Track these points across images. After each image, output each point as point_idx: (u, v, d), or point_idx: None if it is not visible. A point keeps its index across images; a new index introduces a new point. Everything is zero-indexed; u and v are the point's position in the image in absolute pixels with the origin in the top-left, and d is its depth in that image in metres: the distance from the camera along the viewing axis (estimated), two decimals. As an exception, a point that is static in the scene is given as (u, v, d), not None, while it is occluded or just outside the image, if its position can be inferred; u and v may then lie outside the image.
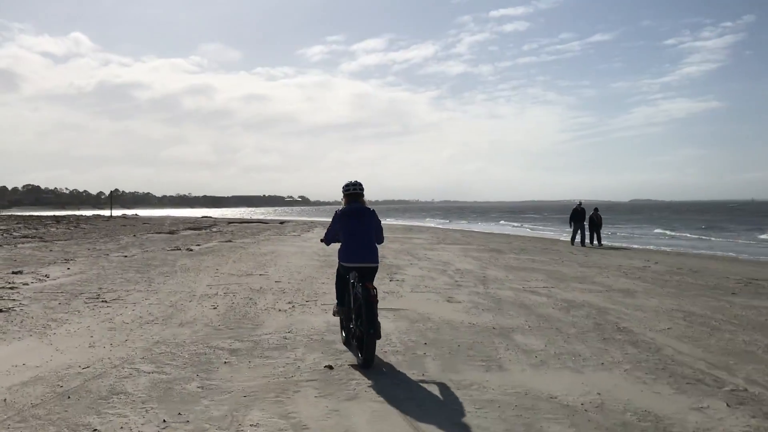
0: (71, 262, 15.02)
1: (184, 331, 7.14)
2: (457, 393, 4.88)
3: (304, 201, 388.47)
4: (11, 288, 10.31)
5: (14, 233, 28.59)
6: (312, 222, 54.32)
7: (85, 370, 5.49)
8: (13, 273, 12.45)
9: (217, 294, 9.99)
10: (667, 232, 40.11)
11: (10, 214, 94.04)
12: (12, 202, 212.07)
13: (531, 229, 47.40)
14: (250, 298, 9.57)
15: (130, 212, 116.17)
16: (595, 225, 24.02)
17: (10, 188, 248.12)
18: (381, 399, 4.74)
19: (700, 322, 7.93)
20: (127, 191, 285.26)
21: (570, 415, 4.42)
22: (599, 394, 4.88)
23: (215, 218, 68.60)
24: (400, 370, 5.56)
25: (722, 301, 9.79)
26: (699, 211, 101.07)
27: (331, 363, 5.70)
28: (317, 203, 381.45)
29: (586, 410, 4.52)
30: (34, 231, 31.01)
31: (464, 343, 6.60)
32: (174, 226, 39.72)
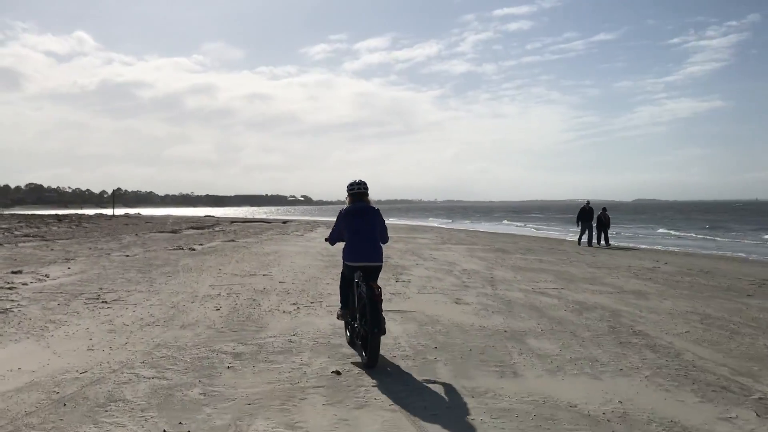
0: (72, 261, 14.83)
1: (186, 334, 6.92)
2: (471, 401, 4.65)
3: (306, 200, 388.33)
4: (10, 288, 10.11)
5: (15, 232, 28.44)
6: (315, 221, 54.09)
7: (82, 375, 5.27)
8: (13, 272, 12.25)
9: (219, 295, 9.77)
10: (672, 232, 39.84)
11: (12, 212, 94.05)
12: (15, 200, 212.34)
13: (535, 229, 47.14)
14: (254, 300, 9.35)
15: (132, 211, 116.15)
16: (603, 225, 23.71)
17: (12, 187, 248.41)
18: (392, 407, 4.51)
19: (718, 326, 7.69)
20: (129, 190, 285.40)
21: (592, 425, 4.19)
22: (621, 402, 4.64)
23: (218, 217, 68.46)
24: (411, 376, 5.34)
25: (738, 303, 9.54)
26: (703, 211, 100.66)
27: (338, 368, 5.47)
28: (320, 202, 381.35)
29: (608, 420, 4.28)
30: (36, 230, 30.86)
31: (476, 347, 6.37)
32: (176, 226, 39.56)
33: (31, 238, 23.99)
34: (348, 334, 6.43)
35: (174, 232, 31.06)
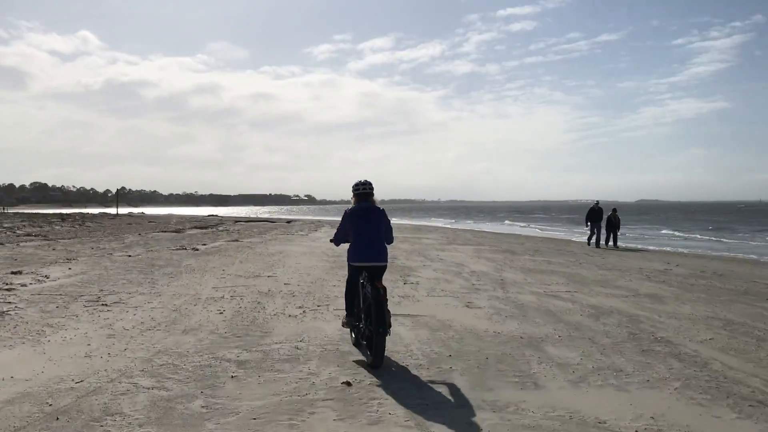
0: (73, 261, 14.57)
1: (188, 339, 6.63)
2: (493, 417, 4.34)
3: (310, 200, 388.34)
4: (8, 290, 9.84)
5: (18, 231, 28.23)
6: (319, 221, 53.84)
7: (78, 384, 4.98)
8: (12, 273, 11.99)
9: (223, 297, 9.48)
10: (676, 233, 39.47)
11: (16, 211, 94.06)
12: (19, 199, 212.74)
13: (540, 229, 46.79)
14: (258, 302, 9.06)
15: (136, 210, 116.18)
16: (613, 226, 23.31)
17: (17, 186, 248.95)
18: (408, 423, 4.21)
19: (742, 332, 7.36)
20: (134, 189, 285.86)
21: (625, 444, 3.88)
22: (653, 418, 4.33)
23: (221, 217, 68.27)
24: (426, 387, 5.03)
25: (758, 308, 9.22)
26: (707, 212, 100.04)
27: (349, 378, 5.17)
28: (323, 202, 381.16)
29: (642, 439, 3.97)
30: (39, 229, 30.66)
31: (492, 355, 6.06)
32: (180, 225, 39.33)
33: (33, 238, 23.76)
34: (353, 335, 6.36)
35: (177, 231, 30.82)
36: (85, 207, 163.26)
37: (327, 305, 8.88)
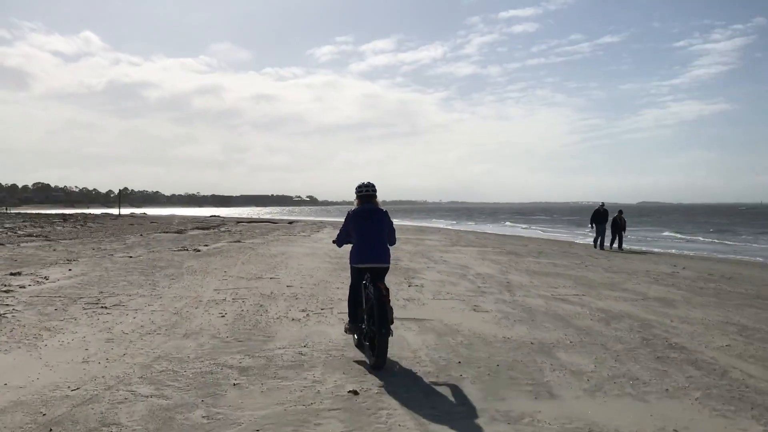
0: (74, 262, 14.39)
1: (188, 344, 6.44)
2: (508, 429, 4.14)
3: (312, 201, 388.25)
4: (6, 291, 9.66)
5: (19, 231, 28.08)
6: (321, 222, 53.66)
7: (74, 392, 4.79)
8: (11, 274, 11.81)
9: (225, 300, 9.29)
10: (678, 235, 39.26)
11: (18, 211, 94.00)
12: (22, 200, 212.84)
13: (542, 231, 46.58)
14: (261, 305, 8.87)
15: (138, 211, 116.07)
16: (619, 228, 23.06)
17: (20, 186, 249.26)
18: (418, 435, 4.01)
19: (758, 338, 7.16)
20: (136, 190, 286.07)
21: (648, 460, 3.68)
22: (676, 431, 4.13)
23: (223, 217, 68.12)
24: (436, 395, 4.84)
25: (772, 313, 9.00)
26: (708, 214, 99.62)
27: (355, 387, 4.97)
28: (325, 203, 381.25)
29: (665, 453, 3.77)
30: (40, 229, 30.51)
31: (503, 361, 5.86)
32: (182, 226, 39.17)
33: (34, 238, 23.61)
34: (356, 337, 6.36)
35: (179, 232, 30.65)
36: (88, 207, 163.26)
37: (331, 308, 8.69)
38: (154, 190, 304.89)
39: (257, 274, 12.74)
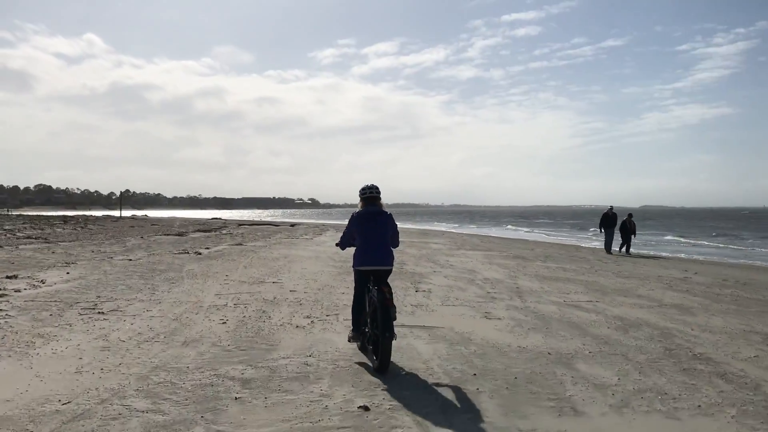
0: (72, 265, 14.08)
1: (188, 353, 6.12)
2: (534, 450, 3.81)
3: (314, 203, 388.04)
4: (1, 295, 9.35)
5: (18, 233, 27.79)
6: (323, 225, 53.33)
7: (65, 406, 4.47)
8: (7, 277, 11.50)
9: (226, 305, 8.97)
10: (681, 239, 38.91)
11: (19, 213, 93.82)
12: (23, 201, 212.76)
13: (546, 234, 46.24)
14: (264, 311, 8.55)
15: (139, 213, 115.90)
16: (628, 232, 22.68)
17: (22, 188, 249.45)
18: (436, 458, 3.68)
19: (786, 349, 6.81)
20: (138, 192, 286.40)
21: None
22: (717, 454, 3.80)
23: (225, 220, 67.84)
24: (453, 411, 4.51)
25: (795, 321, 8.65)
26: (711, 218, 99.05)
27: (366, 401, 4.64)
28: (327, 206, 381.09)
29: (709, 480, 3.44)
30: (39, 231, 30.22)
31: (521, 374, 5.53)
32: (183, 228, 38.88)
33: (33, 240, 23.31)
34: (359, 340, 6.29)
35: (180, 234, 30.35)
36: (89, 209, 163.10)
37: (336, 314, 8.37)
38: (156, 193, 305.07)
39: (259, 278, 12.42)
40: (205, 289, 10.67)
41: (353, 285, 6.33)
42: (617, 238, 23.04)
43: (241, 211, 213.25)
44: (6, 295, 9.42)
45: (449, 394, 4.91)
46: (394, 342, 6.22)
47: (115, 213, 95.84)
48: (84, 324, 7.44)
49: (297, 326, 7.55)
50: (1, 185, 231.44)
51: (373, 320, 5.69)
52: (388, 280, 6.08)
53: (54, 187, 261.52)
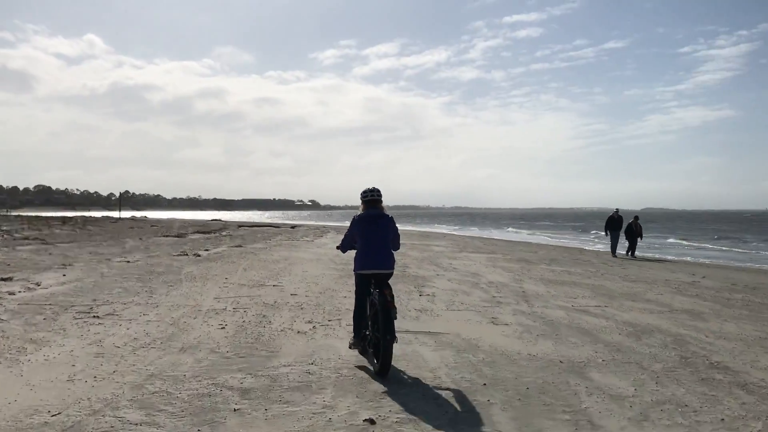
0: (69, 267, 13.85)
1: (185, 360, 5.88)
2: (552, 469, 3.57)
3: (314, 205, 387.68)
4: (-6, 298, 9.11)
5: (15, 234, 27.55)
6: (324, 226, 53.09)
7: (54, 418, 4.24)
8: (2, 279, 11.26)
9: (225, 309, 8.74)
10: (683, 242, 38.67)
11: (18, 214, 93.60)
12: (23, 202, 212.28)
13: (548, 237, 46.01)
14: (264, 316, 8.31)
15: (139, 214, 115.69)
16: (634, 235, 22.41)
17: (21, 188, 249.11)
18: (449, 477, 3.44)
19: (805, 357, 6.57)
20: (138, 193, 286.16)
21: None
22: (748, 474, 3.56)
23: (225, 221, 67.60)
24: (463, 424, 4.27)
25: (810, 327, 8.41)
26: (714, 221, 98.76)
27: (372, 414, 4.39)
28: (328, 207, 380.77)
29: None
30: (37, 232, 29.99)
31: (532, 384, 5.29)
32: (182, 230, 38.64)
33: (30, 241, 23.07)
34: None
35: (179, 236, 30.11)
36: (89, 210, 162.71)
37: (339, 319, 8.13)
38: (156, 194, 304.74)
39: (259, 281, 12.19)
40: (203, 292, 10.44)
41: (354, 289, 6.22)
42: (623, 242, 22.78)
43: (241, 212, 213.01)
44: (0, 298, 9.18)
45: (459, 406, 4.67)
46: (399, 349, 6.11)
47: (115, 214, 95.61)
48: (78, 329, 7.21)
49: (298, 332, 7.31)
50: (1, 186, 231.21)
51: (374, 323, 5.64)
52: (391, 283, 5.97)
53: (54, 187, 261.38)
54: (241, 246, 23.12)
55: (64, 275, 12.25)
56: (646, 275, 15.45)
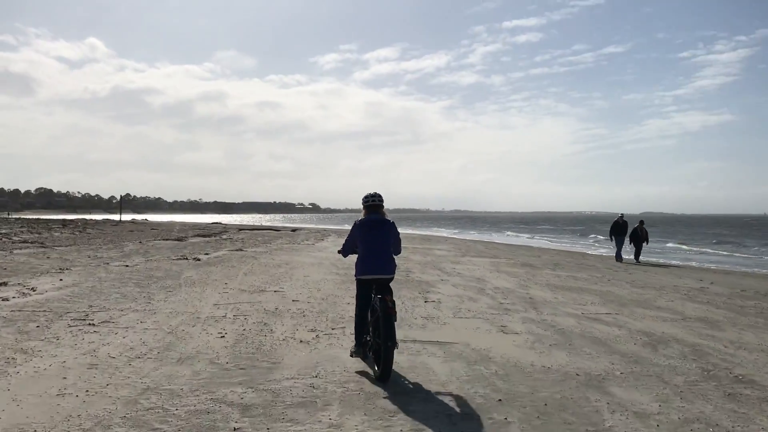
0: (66, 271, 13.56)
1: (182, 372, 5.59)
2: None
3: (314, 208, 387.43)
4: (-14, 305, 8.82)
5: (14, 237, 27.27)
6: (325, 230, 52.80)
7: (40, 438, 3.94)
8: (-4, 285, 10.97)
9: (225, 317, 8.45)
10: (683, 247, 38.37)
11: (18, 216, 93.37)
12: (24, 205, 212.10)
13: (549, 241, 45.74)
14: (265, 323, 8.02)
15: (139, 217, 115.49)
16: (639, 239, 22.13)
17: (23, 191, 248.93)
18: None
19: (832, 369, 6.27)
20: (138, 196, 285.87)
21: None
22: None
23: (225, 224, 67.33)
24: (479, 447, 3.97)
25: (831, 337, 8.11)
26: (713, 225, 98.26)
27: (381, 434, 4.11)
28: (328, 210, 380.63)
29: None
30: (36, 235, 29.69)
31: (550, 399, 4.99)
32: (182, 233, 38.35)
33: (28, 245, 22.79)
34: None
35: (179, 239, 29.82)
36: (90, 213, 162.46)
37: (342, 328, 7.84)
38: (157, 197, 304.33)
39: (260, 286, 11.89)
40: (203, 298, 10.14)
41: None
42: (628, 247, 22.49)
43: (242, 215, 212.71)
44: (-8, 304, 8.90)
45: (474, 425, 4.38)
46: (407, 360, 5.90)
47: (115, 217, 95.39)
48: (72, 337, 6.92)
49: (301, 341, 7.02)
50: (2, 189, 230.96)
51: (375, 329, 5.63)
52: (394, 288, 5.93)
53: (55, 190, 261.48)
54: (241, 250, 22.84)
55: (61, 280, 11.96)
56: (654, 281, 15.15)
